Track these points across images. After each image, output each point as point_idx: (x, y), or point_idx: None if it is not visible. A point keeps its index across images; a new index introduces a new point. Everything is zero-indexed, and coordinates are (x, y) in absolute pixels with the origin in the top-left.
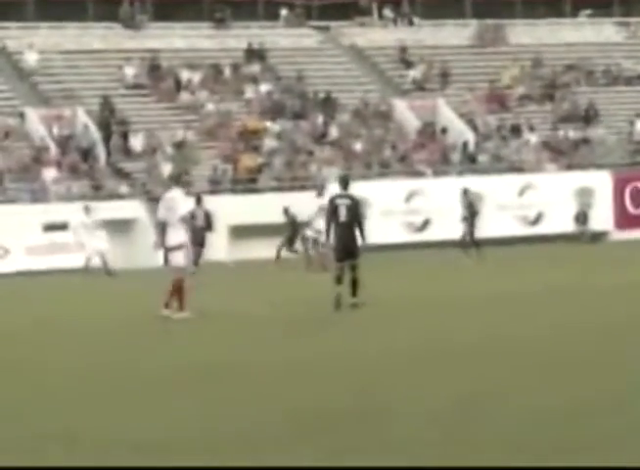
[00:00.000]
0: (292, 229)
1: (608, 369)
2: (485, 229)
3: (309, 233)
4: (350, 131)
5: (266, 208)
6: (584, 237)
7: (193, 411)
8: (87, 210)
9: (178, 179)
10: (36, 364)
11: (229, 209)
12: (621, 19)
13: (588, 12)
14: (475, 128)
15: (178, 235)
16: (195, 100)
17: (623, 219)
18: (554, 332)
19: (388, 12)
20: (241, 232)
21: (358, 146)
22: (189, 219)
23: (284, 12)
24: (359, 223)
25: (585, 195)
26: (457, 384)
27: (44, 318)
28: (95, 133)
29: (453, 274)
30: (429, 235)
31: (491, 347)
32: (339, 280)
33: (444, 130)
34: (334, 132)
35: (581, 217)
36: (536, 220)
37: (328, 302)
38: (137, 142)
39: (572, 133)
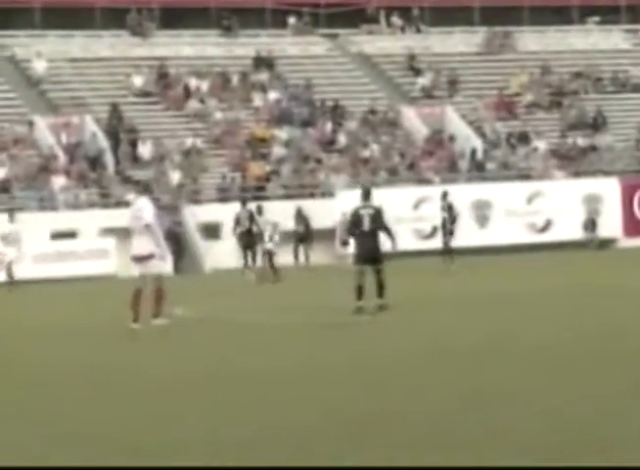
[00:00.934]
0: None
1: (617, 370)
2: (494, 237)
3: (269, 246)
4: (359, 139)
5: (275, 215)
6: (593, 244)
7: (195, 414)
8: (11, 216)
9: (147, 188)
10: (37, 367)
11: None
12: (629, 26)
13: (596, 19)
14: (483, 136)
15: (148, 243)
16: (203, 108)
17: (632, 226)
18: (571, 334)
19: (395, 19)
20: None
21: (366, 153)
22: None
23: (292, 20)
24: (387, 230)
25: (593, 202)
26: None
27: (49, 323)
28: (103, 141)
29: (469, 277)
30: (437, 242)
31: (497, 347)
32: (360, 292)
33: (452, 138)
34: (342, 140)
35: (590, 224)
36: (545, 228)
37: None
38: (145, 150)
39: (581, 140)
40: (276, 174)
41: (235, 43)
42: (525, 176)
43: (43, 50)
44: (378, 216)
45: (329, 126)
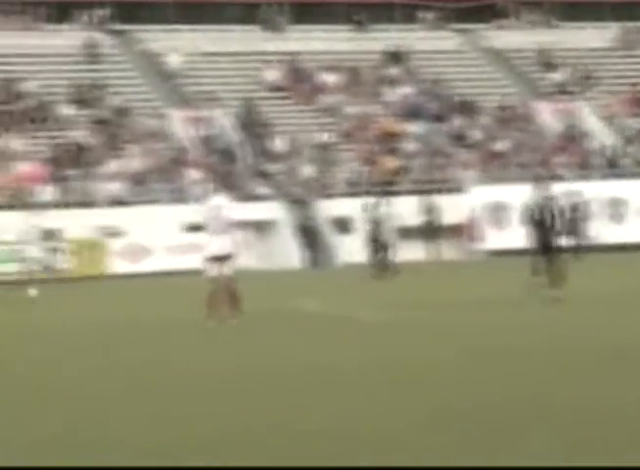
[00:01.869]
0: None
1: None
2: (629, 234)
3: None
4: (491, 134)
5: (404, 210)
6: None
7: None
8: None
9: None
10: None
11: None
12: None
13: None
14: (617, 132)
15: (228, 243)
16: (334, 102)
17: None
18: None
19: (526, 14)
20: None
21: (499, 148)
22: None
23: (423, 15)
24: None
25: None
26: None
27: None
28: (234, 135)
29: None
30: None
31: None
32: (536, 272)
33: (586, 134)
34: (476, 135)
35: None
36: None
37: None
38: (278, 144)
39: None
40: (406, 169)
41: (365, 38)
42: None
43: (177, 45)
44: (554, 207)
45: (459, 121)
